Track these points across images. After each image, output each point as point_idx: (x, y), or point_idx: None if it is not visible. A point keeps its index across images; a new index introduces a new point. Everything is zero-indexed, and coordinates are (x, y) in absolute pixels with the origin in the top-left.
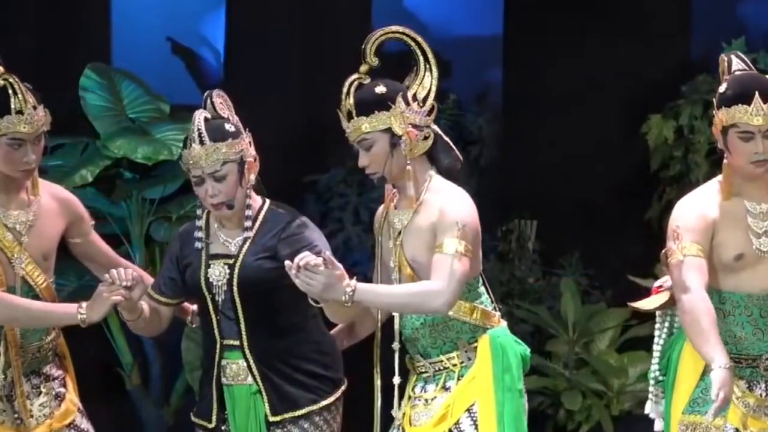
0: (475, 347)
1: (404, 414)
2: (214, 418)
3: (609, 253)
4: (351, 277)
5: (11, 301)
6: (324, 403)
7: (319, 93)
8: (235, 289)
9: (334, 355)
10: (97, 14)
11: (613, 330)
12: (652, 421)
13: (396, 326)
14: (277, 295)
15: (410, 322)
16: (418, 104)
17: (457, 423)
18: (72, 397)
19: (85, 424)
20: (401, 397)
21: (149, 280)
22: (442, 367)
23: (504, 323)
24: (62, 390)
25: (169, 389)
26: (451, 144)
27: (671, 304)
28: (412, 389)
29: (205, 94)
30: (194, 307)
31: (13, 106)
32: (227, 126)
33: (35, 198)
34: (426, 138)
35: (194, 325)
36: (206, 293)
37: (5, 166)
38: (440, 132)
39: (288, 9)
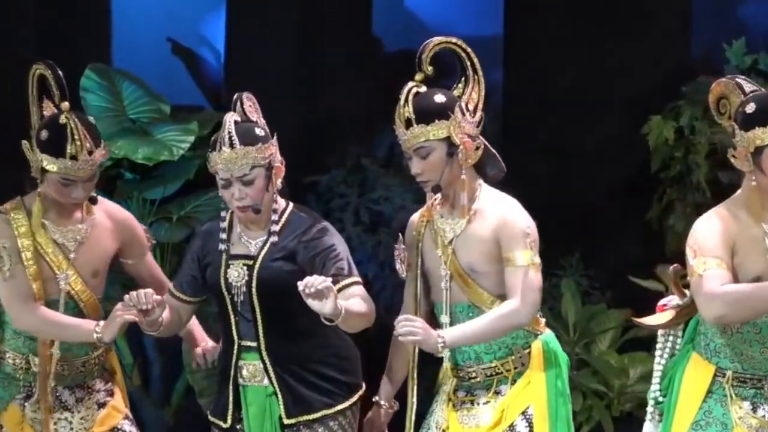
0: (529, 352)
1: (446, 418)
2: (229, 417)
3: (609, 253)
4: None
5: (40, 312)
6: (339, 407)
7: (319, 93)
8: (253, 290)
9: (352, 360)
10: (97, 14)
11: (613, 331)
12: None
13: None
14: (295, 298)
15: None
16: (470, 114)
17: (511, 425)
18: (118, 404)
19: (135, 430)
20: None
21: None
22: (494, 372)
23: (549, 330)
24: (108, 399)
25: (169, 390)
26: (497, 154)
27: (674, 323)
28: (454, 393)
29: (235, 96)
30: (199, 350)
31: (68, 151)
32: (257, 130)
33: (89, 216)
34: (477, 148)
35: (203, 367)
36: (225, 293)
37: (56, 196)
38: (486, 143)
39: (288, 9)
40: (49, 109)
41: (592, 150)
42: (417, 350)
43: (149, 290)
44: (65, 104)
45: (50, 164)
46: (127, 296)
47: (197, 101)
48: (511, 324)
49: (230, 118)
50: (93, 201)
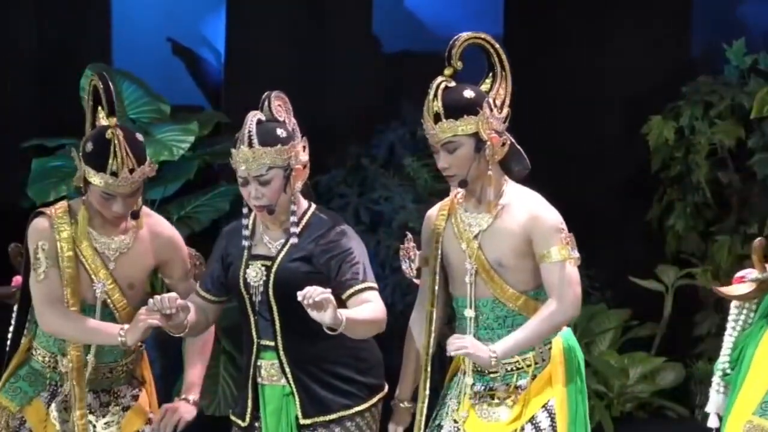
0: (549, 348)
1: (463, 411)
2: (248, 416)
3: (609, 253)
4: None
5: (66, 315)
6: (357, 408)
7: (319, 93)
8: (270, 290)
9: (372, 361)
10: (97, 14)
11: (613, 331)
12: (651, 424)
13: (470, 329)
14: None
15: (487, 322)
16: (497, 110)
17: (533, 418)
18: (141, 408)
19: None
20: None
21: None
22: (515, 367)
23: (568, 327)
24: (132, 403)
25: (170, 389)
26: (522, 151)
27: (752, 296)
28: (471, 387)
29: (265, 94)
30: (163, 409)
31: (109, 166)
32: (279, 131)
33: (135, 229)
34: (504, 144)
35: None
36: (244, 293)
37: (98, 207)
38: (512, 139)
39: (288, 9)
40: (102, 120)
41: (592, 150)
42: (432, 344)
43: (173, 294)
44: (113, 119)
45: (92, 177)
46: (150, 300)
47: (197, 101)
48: (555, 324)
49: (252, 117)
50: (135, 215)
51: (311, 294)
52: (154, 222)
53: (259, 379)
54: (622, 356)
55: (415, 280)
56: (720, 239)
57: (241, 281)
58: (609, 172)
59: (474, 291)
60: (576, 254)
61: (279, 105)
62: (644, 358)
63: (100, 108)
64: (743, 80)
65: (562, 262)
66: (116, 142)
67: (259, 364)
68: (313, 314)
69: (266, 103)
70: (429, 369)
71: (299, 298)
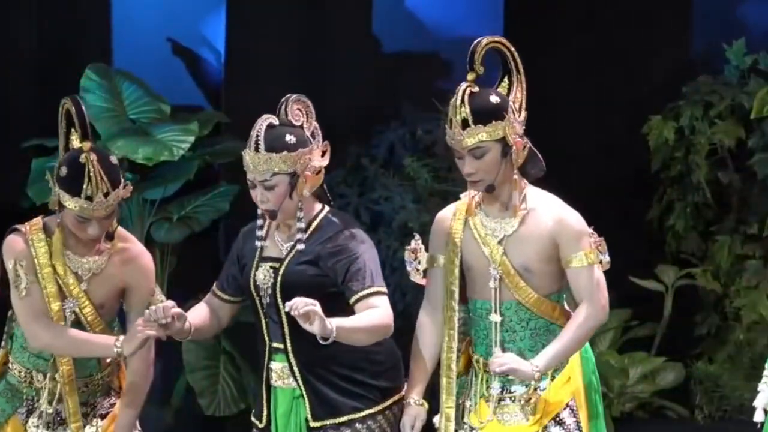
0: None
1: (477, 412)
2: (264, 418)
3: (609, 253)
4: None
5: (55, 329)
6: (368, 411)
7: (319, 93)
8: (278, 292)
9: (387, 364)
10: (97, 15)
11: (614, 331)
12: (651, 424)
13: (495, 334)
14: (321, 301)
15: (509, 325)
16: (517, 114)
17: (556, 416)
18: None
19: None
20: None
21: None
22: None
23: None
24: (110, 410)
25: (169, 389)
26: (538, 153)
27: None
28: (487, 388)
29: (284, 98)
30: None
31: (84, 191)
32: (288, 137)
33: (110, 249)
34: (524, 147)
35: None
36: (254, 295)
37: (73, 229)
38: (530, 142)
39: (288, 8)
40: (75, 142)
41: (592, 150)
42: (456, 346)
43: (168, 303)
44: (86, 144)
45: (67, 201)
46: (147, 311)
47: (197, 101)
48: (589, 329)
49: (263, 121)
50: (109, 237)
51: (297, 305)
52: (130, 247)
53: (271, 381)
54: (622, 356)
55: (421, 281)
56: (720, 239)
57: (251, 283)
58: (609, 172)
59: (498, 295)
60: (607, 258)
61: (298, 109)
62: (644, 358)
63: (73, 130)
64: (743, 80)
65: (591, 266)
66: (90, 166)
67: (271, 366)
68: (304, 325)
69: (284, 106)
70: (454, 372)
71: (286, 309)
